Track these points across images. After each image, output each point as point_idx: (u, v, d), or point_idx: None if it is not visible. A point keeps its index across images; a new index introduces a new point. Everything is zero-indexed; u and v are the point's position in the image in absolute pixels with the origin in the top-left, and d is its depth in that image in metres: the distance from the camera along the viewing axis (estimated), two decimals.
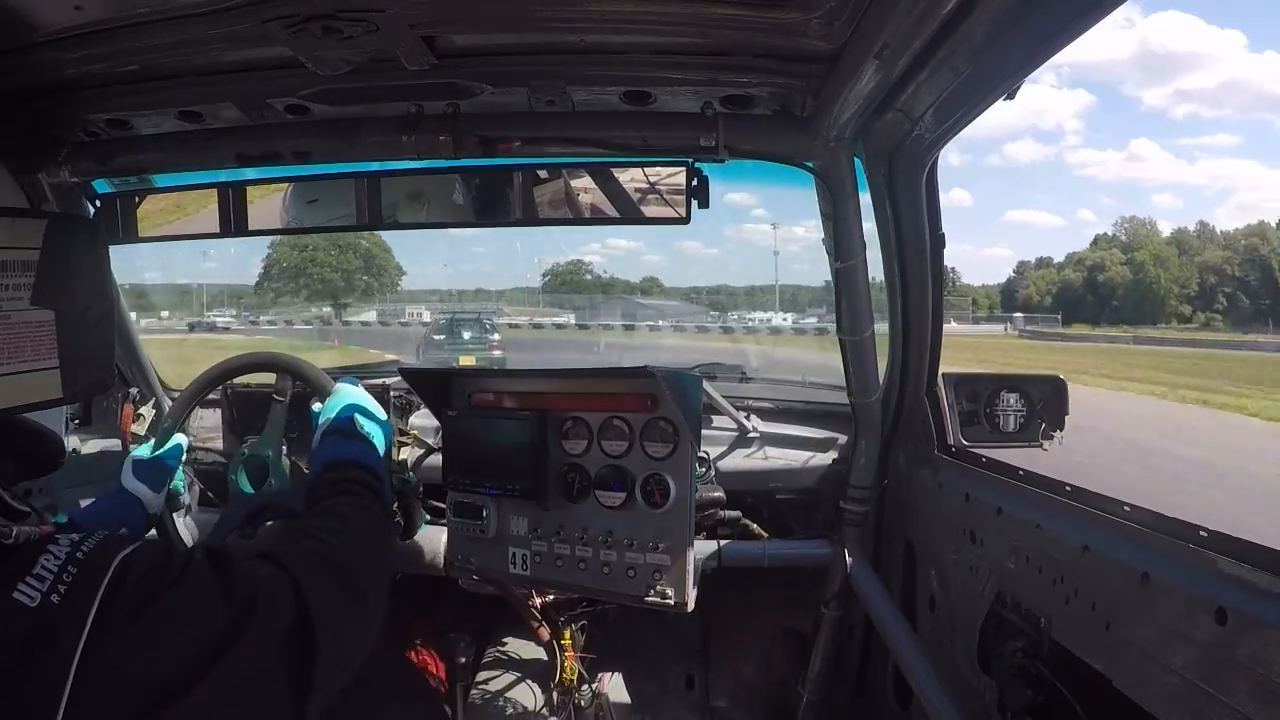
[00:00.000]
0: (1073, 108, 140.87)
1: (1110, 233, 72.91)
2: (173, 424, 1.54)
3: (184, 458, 1.53)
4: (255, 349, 1.69)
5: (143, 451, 1.46)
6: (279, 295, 41.40)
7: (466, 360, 12.49)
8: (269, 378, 1.70)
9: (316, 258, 42.10)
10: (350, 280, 44.24)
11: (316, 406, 1.39)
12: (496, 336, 15.69)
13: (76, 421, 1.90)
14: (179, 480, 1.55)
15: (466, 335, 15.15)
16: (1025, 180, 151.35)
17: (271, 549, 0.88)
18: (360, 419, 1.26)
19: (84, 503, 1.49)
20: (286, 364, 1.58)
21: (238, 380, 1.70)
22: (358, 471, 1.12)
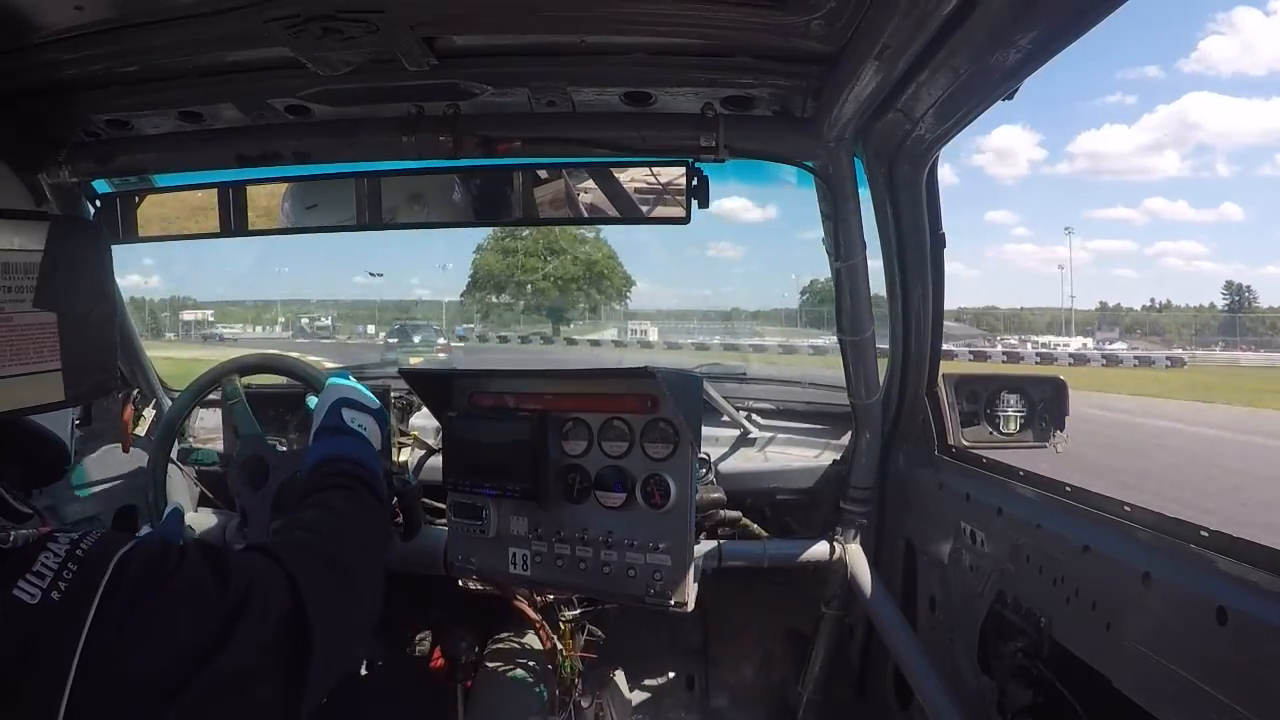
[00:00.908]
0: None
1: None
2: (160, 498, 1.61)
3: (185, 521, 1.56)
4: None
5: (145, 529, 1.48)
6: (488, 310, 36.54)
7: (416, 361, 13.81)
8: (266, 379, 1.71)
9: (526, 264, 35.69)
10: (567, 291, 37.63)
11: (313, 400, 1.39)
12: (443, 340, 19.48)
13: (78, 422, 1.89)
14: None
15: (416, 339, 18.36)
16: None
17: (263, 542, 0.87)
18: (348, 413, 1.23)
19: None
20: (276, 364, 1.60)
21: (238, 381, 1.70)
22: (347, 465, 1.10)
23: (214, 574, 0.73)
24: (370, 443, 1.22)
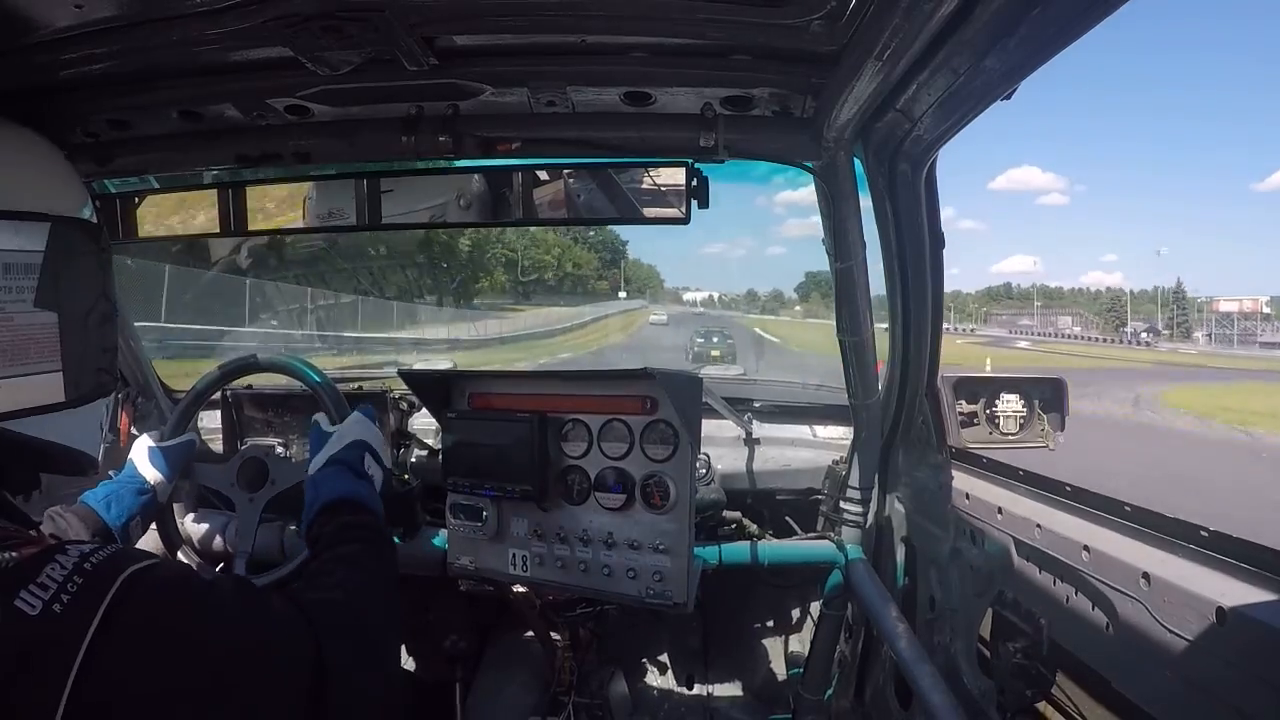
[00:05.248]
0: None
1: None
2: (184, 416, 1.54)
3: (195, 451, 1.52)
4: None
5: (153, 439, 1.43)
6: None
7: (716, 354, 18.97)
8: (266, 380, 1.70)
9: None
10: None
11: (320, 419, 1.34)
12: (731, 340, 23.96)
13: (104, 428, 1.86)
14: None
15: (715, 339, 23.57)
16: None
17: (298, 594, 0.84)
18: (369, 459, 1.21)
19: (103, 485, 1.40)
20: (300, 374, 1.55)
21: (239, 382, 1.70)
22: (367, 516, 1.08)
23: (240, 617, 0.71)
24: (379, 492, 1.20)
